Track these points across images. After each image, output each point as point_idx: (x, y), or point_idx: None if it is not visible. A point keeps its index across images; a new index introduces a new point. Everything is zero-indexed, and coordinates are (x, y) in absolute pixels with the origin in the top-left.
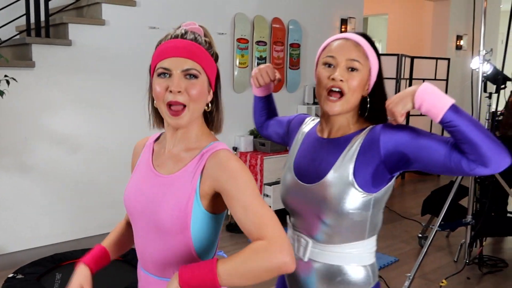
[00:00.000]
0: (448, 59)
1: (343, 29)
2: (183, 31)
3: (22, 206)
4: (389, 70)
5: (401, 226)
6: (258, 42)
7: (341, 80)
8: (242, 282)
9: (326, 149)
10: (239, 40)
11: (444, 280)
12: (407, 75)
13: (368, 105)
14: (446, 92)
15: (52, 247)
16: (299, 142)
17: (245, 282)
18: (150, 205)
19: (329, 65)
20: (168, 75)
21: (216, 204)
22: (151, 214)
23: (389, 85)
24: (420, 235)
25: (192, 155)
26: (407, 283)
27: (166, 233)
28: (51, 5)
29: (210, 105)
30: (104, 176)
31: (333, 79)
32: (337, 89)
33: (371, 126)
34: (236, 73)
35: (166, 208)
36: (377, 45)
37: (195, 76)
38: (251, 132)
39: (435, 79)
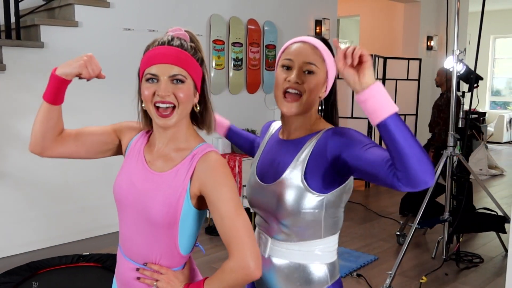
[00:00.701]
0: (420, 60)
1: (317, 30)
2: (169, 38)
3: None
4: None
5: (379, 224)
6: (234, 44)
7: (297, 83)
8: None
9: (284, 149)
10: (215, 41)
11: (424, 277)
12: (380, 76)
13: (323, 107)
14: (418, 91)
15: (27, 255)
16: (264, 145)
17: None
18: (142, 199)
19: (287, 68)
20: (156, 81)
21: (202, 201)
22: (142, 207)
23: None
24: (398, 233)
25: (183, 156)
26: (388, 281)
27: (155, 226)
28: (21, 6)
29: (198, 105)
30: (79, 181)
31: (289, 81)
32: (293, 91)
33: (325, 129)
34: (212, 74)
35: (157, 204)
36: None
37: (182, 81)
38: None
39: (407, 79)
